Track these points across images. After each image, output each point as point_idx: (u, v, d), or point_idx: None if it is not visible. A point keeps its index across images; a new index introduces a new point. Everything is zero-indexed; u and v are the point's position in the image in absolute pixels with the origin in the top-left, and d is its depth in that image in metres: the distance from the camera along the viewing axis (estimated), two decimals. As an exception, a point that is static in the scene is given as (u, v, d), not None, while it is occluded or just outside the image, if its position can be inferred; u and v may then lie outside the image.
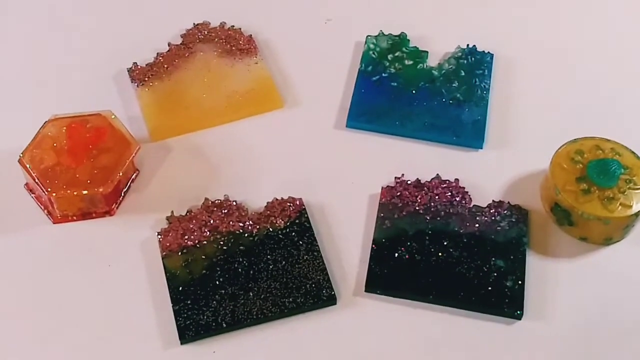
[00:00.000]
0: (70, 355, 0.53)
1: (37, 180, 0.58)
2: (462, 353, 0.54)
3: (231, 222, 0.59)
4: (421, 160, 0.63)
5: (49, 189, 0.57)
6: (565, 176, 0.58)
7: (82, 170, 0.58)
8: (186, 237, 0.58)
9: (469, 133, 0.64)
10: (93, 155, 0.59)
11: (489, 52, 0.69)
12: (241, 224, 0.59)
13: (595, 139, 0.60)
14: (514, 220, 0.59)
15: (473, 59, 0.68)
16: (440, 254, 0.57)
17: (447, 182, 0.61)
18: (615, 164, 0.58)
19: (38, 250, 0.58)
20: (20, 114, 0.65)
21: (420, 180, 0.61)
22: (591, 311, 0.56)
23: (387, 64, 0.68)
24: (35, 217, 0.60)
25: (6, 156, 0.61)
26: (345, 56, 0.70)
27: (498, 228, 0.59)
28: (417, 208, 0.60)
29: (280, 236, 0.58)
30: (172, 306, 0.55)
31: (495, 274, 0.56)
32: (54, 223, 0.59)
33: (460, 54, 0.68)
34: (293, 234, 0.58)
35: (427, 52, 0.69)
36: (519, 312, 0.55)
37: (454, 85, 0.66)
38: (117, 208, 0.60)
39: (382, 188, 0.61)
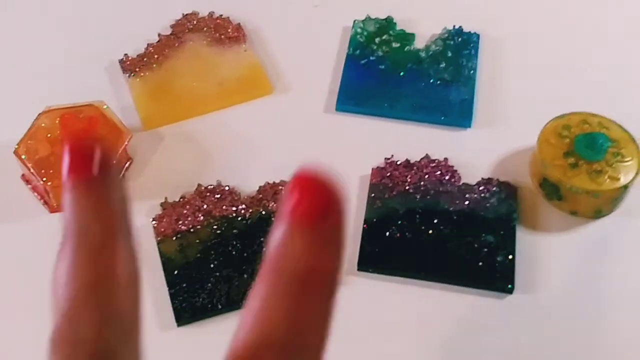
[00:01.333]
0: (69, 341, 0.54)
1: (32, 171, 0.59)
2: (455, 328, 0.55)
3: (224, 207, 0.59)
4: (410, 140, 0.64)
5: (44, 179, 0.58)
6: (552, 151, 0.59)
7: (76, 160, 0.59)
8: (180, 222, 0.59)
9: (457, 113, 0.65)
10: (86, 145, 0.59)
11: (475, 33, 0.69)
12: (234, 208, 0.59)
13: (582, 114, 0.61)
14: (503, 196, 0.60)
15: (460, 39, 0.69)
16: (430, 231, 0.58)
17: (437, 161, 0.62)
18: (602, 137, 0.59)
19: (36, 239, 0.59)
20: (14, 107, 0.66)
21: (409, 161, 0.62)
22: (582, 284, 0.56)
23: (375, 47, 0.69)
24: (32, 207, 0.61)
25: (2, 148, 0.62)
26: (333, 41, 0.70)
27: (487, 205, 0.59)
28: (407, 187, 0.60)
29: (273, 219, 0.59)
30: (168, 290, 0.55)
31: (486, 250, 0.57)
32: (50, 212, 0.60)
33: (446, 35, 0.69)
34: (286, 216, 0.59)
35: (414, 34, 0.69)
36: (510, 286, 0.55)
37: (441, 66, 0.67)
38: (111, 196, 0.61)
39: (373, 169, 0.62)
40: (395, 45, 0.69)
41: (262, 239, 0.58)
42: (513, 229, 0.58)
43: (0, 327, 0.55)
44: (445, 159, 0.62)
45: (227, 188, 0.61)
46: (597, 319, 0.55)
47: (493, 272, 0.56)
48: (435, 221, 0.59)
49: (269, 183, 0.61)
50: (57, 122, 0.60)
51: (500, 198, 0.60)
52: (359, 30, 0.70)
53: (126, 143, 0.61)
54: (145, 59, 0.68)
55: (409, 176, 0.61)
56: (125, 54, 0.68)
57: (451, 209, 0.59)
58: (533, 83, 0.68)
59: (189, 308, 0.55)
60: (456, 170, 0.61)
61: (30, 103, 0.62)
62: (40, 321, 0.55)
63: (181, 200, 0.60)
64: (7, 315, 0.56)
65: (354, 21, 0.70)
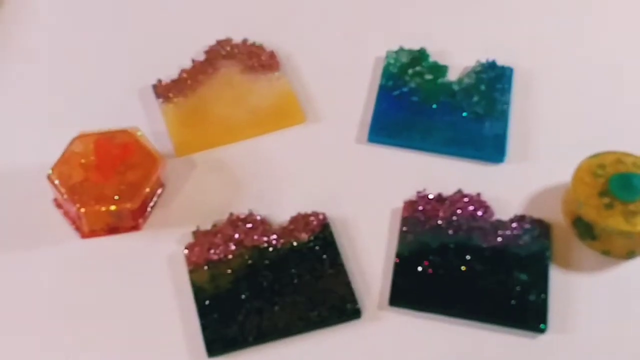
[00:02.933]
0: (99, 369, 0.54)
1: (65, 196, 0.59)
2: (486, 366, 0.55)
3: (256, 237, 0.59)
4: (443, 174, 0.64)
5: (77, 205, 0.58)
6: (587, 190, 0.59)
7: (110, 186, 0.59)
8: (212, 251, 0.59)
9: (490, 147, 0.64)
10: (120, 171, 0.60)
11: (508, 67, 0.69)
12: (266, 238, 0.59)
13: (617, 153, 0.61)
14: (536, 234, 0.59)
15: (493, 73, 0.69)
16: (463, 267, 0.58)
17: (469, 196, 0.62)
18: (638, 177, 0.59)
19: (67, 264, 0.59)
20: (48, 131, 0.66)
21: (442, 195, 0.62)
22: (614, 325, 0.56)
23: (408, 78, 0.69)
24: (63, 232, 0.61)
25: (35, 172, 0.62)
26: (366, 71, 0.71)
27: (520, 242, 0.59)
28: (439, 222, 0.60)
29: (304, 250, 0.59)
30: (200, 320, 0.55)
31: (519, 288, 0.57)
32: (82, 238, 0.60)
33: (480, 68, 0.69)
34: (317, 248, 0.59)
35: (447, 66, 0.69)
36: (542, 325, 0.55)
37: (474, 99, 0.67)
38: (143, 223, 0.61)
39: (404, 202, 0.61)
40: (428, 77, 0.69)
41: (293, 270, 0.58)
42: (546, 267, 0.58)
43: (32, 350, 0.55)
44: (478, 194, 0.62)
45: (258, 217, 0.60)
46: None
47: (525, 311, 0.56)
48: (468, 257, 0.58)
49: (300, 213, 0.61)
50: (91, 147, 0.61)
51: (533, 235, 0.59)
52: (392, 61, 0.70)
53: (160, 170, 0.61)
54: (178, 85, 0.68)
55: (441, 210, 0.61)
56: (159, 79, 0.69)
57: (484, 245, 0.59)
58: (567, 119, 0.67)
59: (220, 340, 0.54)
60: (489, 206, 0.61)
61: (64, 128, 0.63)
62: (67, 346, 0.55)
63: (213, 228, 0.60)
64: (34, 340, 0.56)
65: (387, 52, 0.71)
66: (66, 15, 0.77)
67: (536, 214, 0.61)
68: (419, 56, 0.70)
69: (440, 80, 0.69)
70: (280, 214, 0.61)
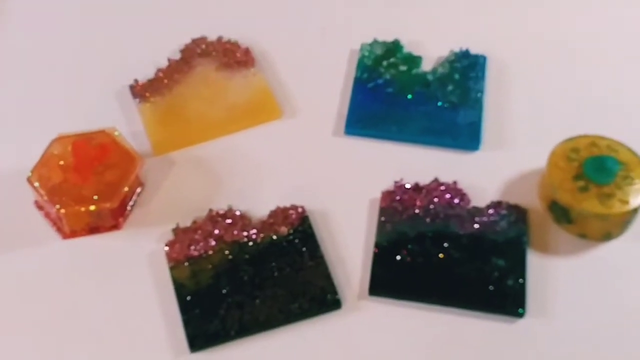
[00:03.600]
0: (83, 368, 0.55)
1: (45, 198, 0.59)
2: (466, 352, 0.55)
3: (235, 232, 0.60)
4: (419, 163, 0.64)
5: (57, 206, 0.59)
6: (562, 174, 0.59)
7: (89, 187, 0.59)
8: (192, 247, 0.59)
9: (465, 135, 0.65)
10: (99, 172, 0.60)
11: (482, 55, 0.70)
12: (245, 233, 0.60)
13: (591, 137, 0.61)
14: (512, 219, 0.60)
15: (467, 62, 0.69)
16: (441, 255, 0.58)
17: (446, 184, 0.62)
18: (612, 160, 0.59)
19: (49, 265, 0.60)
20: (26, 134, 0.67)
21: (419, 184, 0.62)
22: (592, 307, 0.57)
23: (382, 70, 0.69)
24: (45, 233, 0.61)
25: (15, 175, 0.62)
26: (341, 64, 0.71)
27: (497, 228, 0.60)
28: (416, 211, 0.61)
29: (284, 244, 0.59)
30: (181, 316, 0.56)
31: (496, 274, 0.57)
32: (63, 238, 0.61)
33: (453, 57, 0.70)
34: (296, 240, 0.59)
35: (421, 57, 0.70)
36: (521, 310, 0.56)
37: (448, 88, 0.68)
38: (124, 222, 0.61)
39: (382, 192, 0.62)
40: (402, 68, 0.69)
41: (273, 264, 0.58)
42: (523, 252, 0.58)
43: (12, 351, 0.56)
44: (454, 182, 0.62)
45: (238, 213, 0.61)
46: (607, 342, 0.55)
47: (504, 296, 0.56)
48: (446, 245, 0.59)
49: (279, 207, 0.61)
50: (69, 149, 0.61)
51: (509, 221, 0.60)
52: (366, 53, 0.70)
53: (138, 169, 0.61)
54: (155, 84, 0.69)
55: (419, 200, 0.61)
56: (135, 80, 0.69)
57: (461, 232, 0.60)
58: (541, 105, 0.68)
59: (202, 334, 0.55)
60: (465, 193, 0.62)
61: (42, 130, 0.63)
62: (52, 346, 0.55)
63: (193, 225, 0.60)
64: (19, 340, 0.56)
65: (362, 44, 0.71)
66: (41, 17, 0.77)
67: (512, 200, 0.61)
68: (393, 48, 0.71)
69: (414, 71, 0.69)
70: (260, 208, 0.62)
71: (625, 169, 0.59)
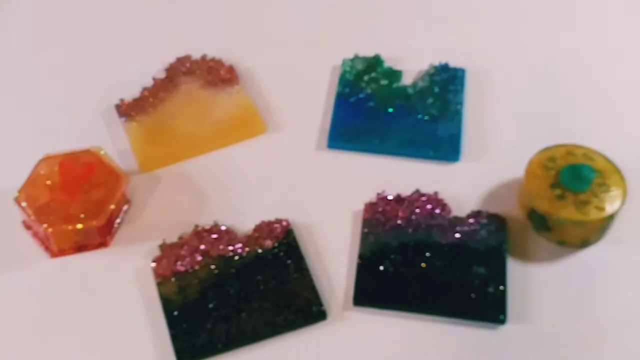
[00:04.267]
0: (73, 384, 0.56)
1: (33, 217, 0.60)
2: (450, 359, 0.56)
3: (221, 246, 0.61)
4: (401, 175, 0.65)
5: (45, 225, 0.60)
6: (539, 183, 0.61)
7: (76, 205, 0.60)
8: (179, 263, 0.60)
9: (445, 147, 0.66)
10: (85, 190, 0.61)
11: (460, 68, 0.71)
12: (231, 248, 0.61)
13: (567, 146, 0.63)
14: (493, 228, 0.61)
15: (446, 75, 0.71)
16: (423, 264, 0.60)
17: (427, 195, 0.63)
18: (587, 168, 0.60)
19: (37, 284, 0.60)
20: (13, 155, 0.68)
21: (400, 195, 0.63)
22: (572, 312, 0.58)
23: (364, 85, 0.70)
24: (33, 252, 0.62)
25: (3, 195, 0.63)
26: (323, 80, 0.72)
27: (478, 237, 0.61)
28: (399, 222, 0.62)
29: (269, 257, 0.60)
30: (169, 330, 0.57)
31: (478, 281, 0.58)
32: (51, 257, 0.61)
33: (433, 71, 0.71)
34: (281, 254, 0.60)
35: (401, 71, 0.71)
36: (502, 316, 0.57)
37: (428, 102, 0.69)
38: (111, 239, 0.62)
39: (365, 204, 0.63)
40: (383, 82, 0.71)
41: (258, 277, 0.59)
42: (503, 260, 0.60)
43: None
44: (435, 193, 0.64)
45: (223, 228, 0.62)
46: (587, 347, 0.56)
47: (485, 304, 0.57)
48: (428, 254, 0.60)
49: (264, 221, 0.62)
50: (55, 169, 0.62)
51: (490, 230, 0.61)
52: (347, 68, 0.72)
53: (124, 187, 0.62)
54: (140, 103, 0.70)
55: (401, 211, 0.63)
56: (121, 99, 0.70)
57: (442, 241, 0.61)
58: (519, 116, 0.69)
59: (190, 349, 0.56)
60: (446, 204, 0.63)
61: (29, 151, 0.64)
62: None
63: (179, 241, 0.61)
64: (9, 355, 0.57)
65: (343, 60, 0.72)
66: (27, 38, 0.78)
67: (492, 209, 0.62)
68: (374, 62, 0.72)
69: (395, 85, 0.70)
70: (245, 223, 0.63)
71: (601, 176, 0.60)
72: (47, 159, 0.63)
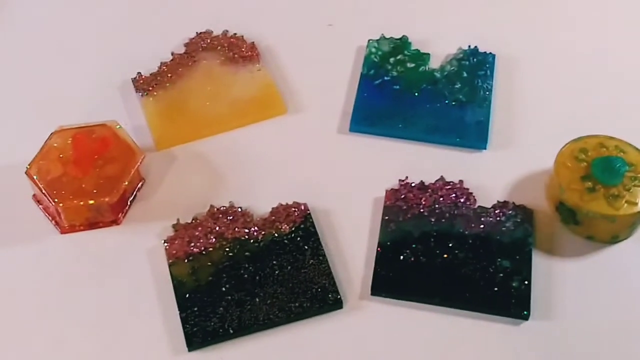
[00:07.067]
0: (79, 364, 0.54)
1: (44, 191, 0.58)
2: (469, 354, 0.54)
3: (236, 229, 0.59)
4: (425, 162, 0.63)
5: (55, 200, 0.58)
6: (569, 175, 0.58)
7: (89, 180, 0.59)
8: (192, 244, 0.58)
9: (472, 134, 0.64)
10: (99, 165, 0.59)
11: (490, 53, 0.69)
12: (246, 230, 0.59)
13: (599, 137, 0.60)
14: (519, 220, 0.59)
15: (475, 60, 0.68)
16: (445, 255, 0.57)
17: (452, 183, 0.61)
18: (620, 161, 0.58)
19: (46, 260, 0.59)
20: (26, 127, 0.66)
21: (424, 183, 0.61)
22: (598, 310, 0.56)
23: (389, 67, 0.68)
24: (43, 227, 0.60)
25: (14, 168, 0.61)
26: (348, 61, 0.70)
27: (503, 228, 0.59)
28: (421, 210, 0.60)
29: (286, 241, 0.58)
30: (179, 313, 0.55)
31: (501, 275, 0.56)
32: (61, 233, 0.60)
33: (462, 55, 0.69)
34: (298, 238, 0.58)
35: (429, 54, 0.69)
36: (525, 312, 0.55)
37: (456, 86, 0.67)
38: (123, 217, 0.61)
39: (387, 191, 0.61)
40: (410, 65, 0.68)
41: (274, 262, 0.57)
42: (529, 253, 0.57)
43: (10, 345, 0.55)
44: (461, 181, 0.61)
45: (239, 209, 0.60)
46: (612, 345, 0.54)
47: (508, 298, 0.55)
48: (450, 245, 0.58)
49: (281, 204, 0.60)
50: (69, 142, 0.60)
51: (516, 222, 0.59)
52: (373, 50, 0.69)
53: (139, 163, 0.60)
54: (158, 78, 0.68)
55: (424, 199, 0.60)
56: (139, 73, 0.68)
57: (466, 232, 0.59)
58: (549, 104, 0.67)
59: (200, 332, 0.54)
60: (471, 193, 0.61)
61: (42, 123, 0.62)
62: (49, 340, 0.55)
63: (193, 221, 0.60)
64: (16, 335, 0.55)
65: (369, 41, 0.70)
66: (45, 9, 0.76)
67: (519, 201, 0.60)
68: (401, 44, 0.70)
69: (422, 68, 0.68)
70: (262, 205, 0.61)
71: (634, 170, 0.58)
72: (60, 132, 0.61)
